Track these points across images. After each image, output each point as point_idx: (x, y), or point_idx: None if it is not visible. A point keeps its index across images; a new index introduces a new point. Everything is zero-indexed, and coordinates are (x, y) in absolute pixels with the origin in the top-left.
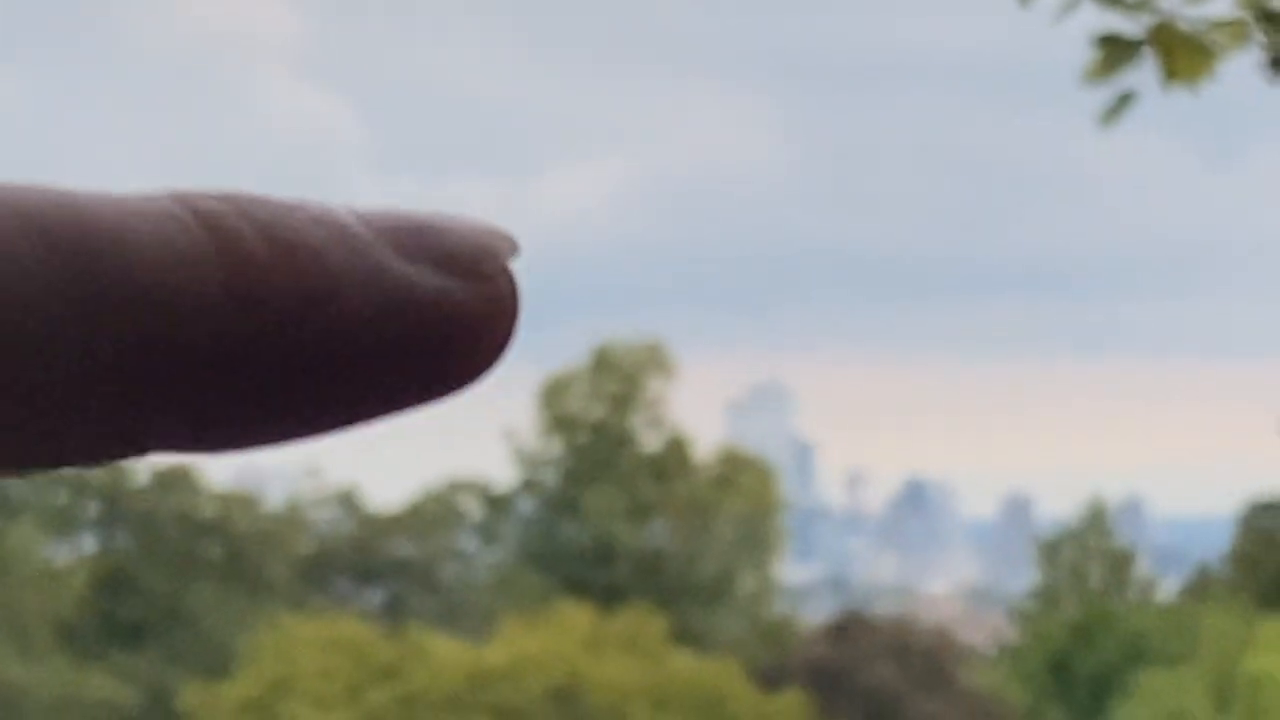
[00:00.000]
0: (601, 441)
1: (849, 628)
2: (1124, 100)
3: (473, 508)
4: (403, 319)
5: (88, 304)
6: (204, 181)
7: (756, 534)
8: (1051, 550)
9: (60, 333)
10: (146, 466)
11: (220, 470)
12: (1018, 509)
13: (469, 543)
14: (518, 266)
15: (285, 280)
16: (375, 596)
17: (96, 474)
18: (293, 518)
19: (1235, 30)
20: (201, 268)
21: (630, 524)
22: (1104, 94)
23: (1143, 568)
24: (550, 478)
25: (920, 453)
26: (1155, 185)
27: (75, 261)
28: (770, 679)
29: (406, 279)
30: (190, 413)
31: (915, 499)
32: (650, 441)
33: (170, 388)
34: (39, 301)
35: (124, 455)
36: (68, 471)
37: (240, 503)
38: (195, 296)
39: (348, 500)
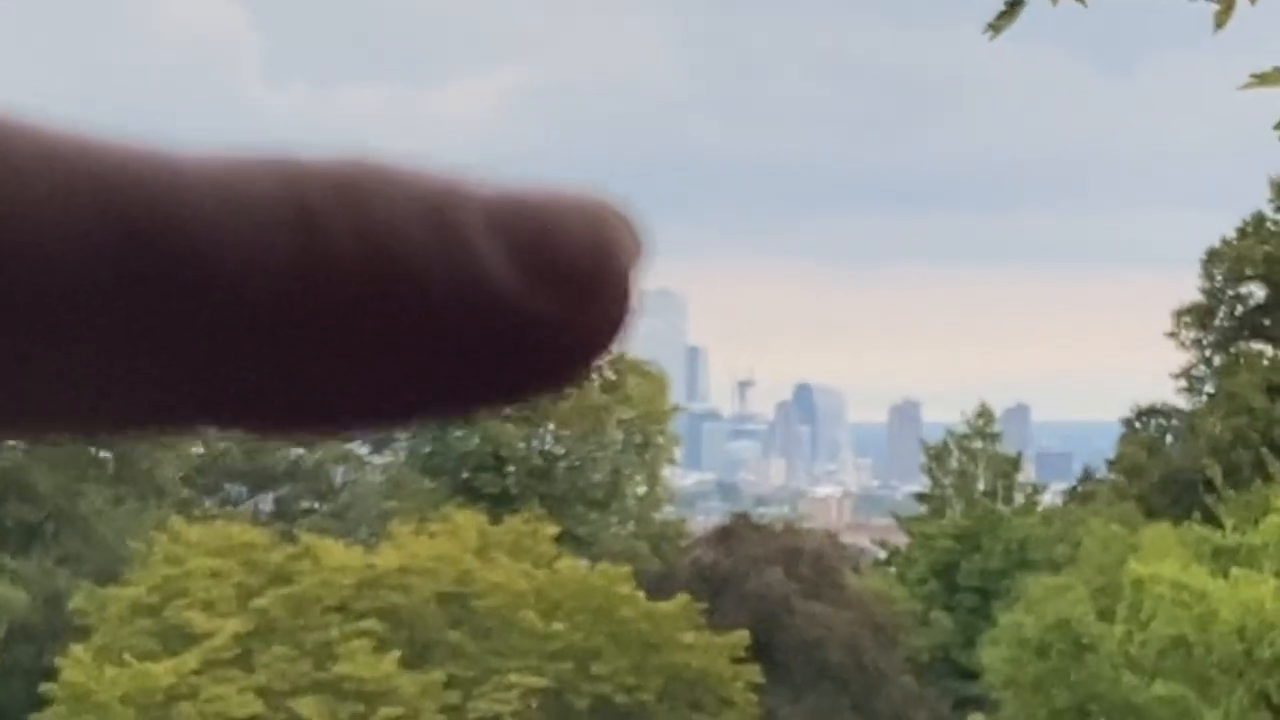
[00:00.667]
0: None
1: (737, 532)
2: (1012, 8)
3: None
4: (497, 339)
5: (140, 264)
6: (95, 91)
7: (646, 440)
8: (938, 457)
9: (112, 297)
10: None
11: None
12: (906, 416)
13: (359, 448)
14: (639, 271)
15: (365, 288)
16: (266, 501)
17: None
18: None
19: None
20: (277, 259)
21: (520, 430)
22: (996, 3)
23: (1029, 474)
24: None
25: (810, 360)
26: (1048, 96)
27: (140, 236)
28: (659, 584)
29: (508, 296)
30: (241, 390)
31: (804, 405)
32: None
33: (222, 363)
34: (90, 265)
35: (167, 428)
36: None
37: None
38: (261, 271)
39: None
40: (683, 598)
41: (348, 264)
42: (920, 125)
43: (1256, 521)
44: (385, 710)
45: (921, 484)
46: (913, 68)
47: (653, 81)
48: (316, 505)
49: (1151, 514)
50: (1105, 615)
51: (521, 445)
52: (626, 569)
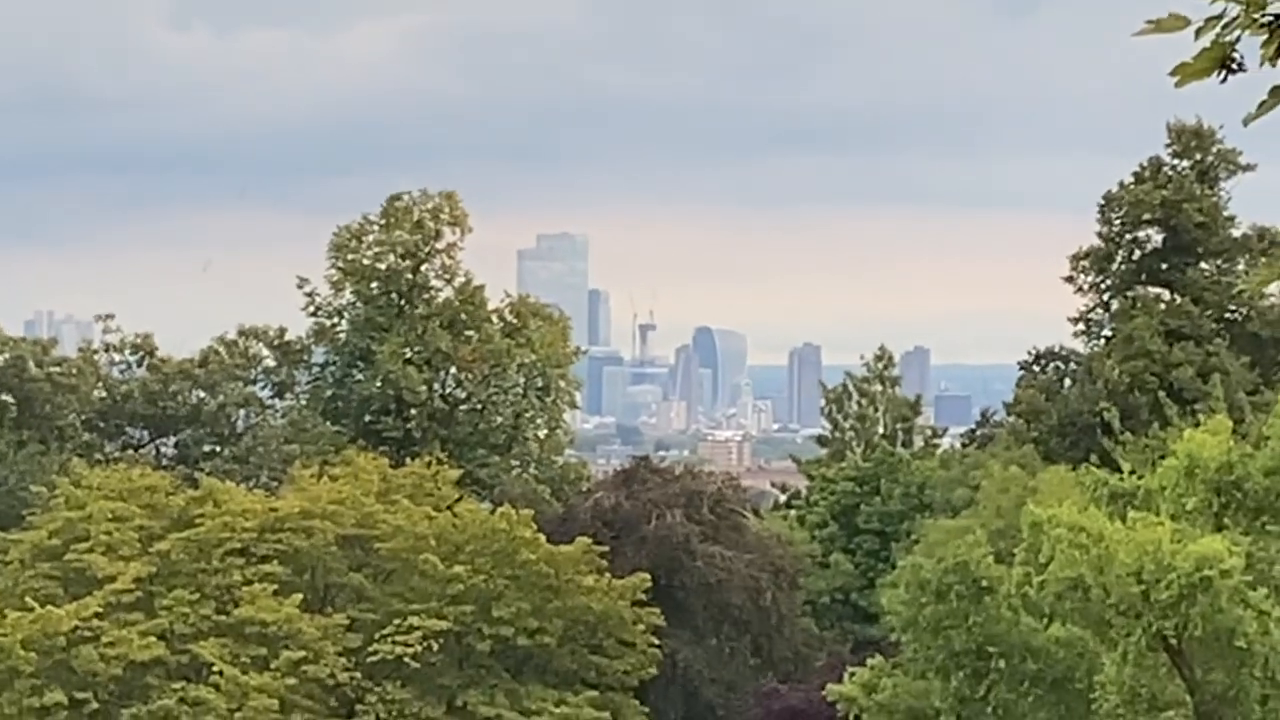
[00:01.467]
0: (393, 292)
1: (638, 476)
2: None
3: (265, 357)
4: None
5: None
6: None
7: (548, 384)
8: (838, 400)
9: None
10: None
11: (12, 318)
12: (806, 360)
13: (262, 392)
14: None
15: None
16: (167, 445)
17: None
18: (85, 366)
19: None
20: None
21: (422, 375)
22: None
23: (928, 417)
24: (343, 327)
25: (711, 304)
26: (948, 37)
27: None
28: (561, 527)
29: None
30: None
31: (705, 349)
32: (443, 292)
33: None
34: None
35: None
36: None
37: (32, 350)
38: None
39: (140, 349)
40: (584, 541)
41: None
42: (819, 68)
43: (1153, 465)
44: (287, 653)
45: (821, 427)
46: (812, 10)
47: (555, 26)
48: (218, 449)
49: (1049, 457)
50: (1003, 558)
51: (423, 389)
52: (528, 512)
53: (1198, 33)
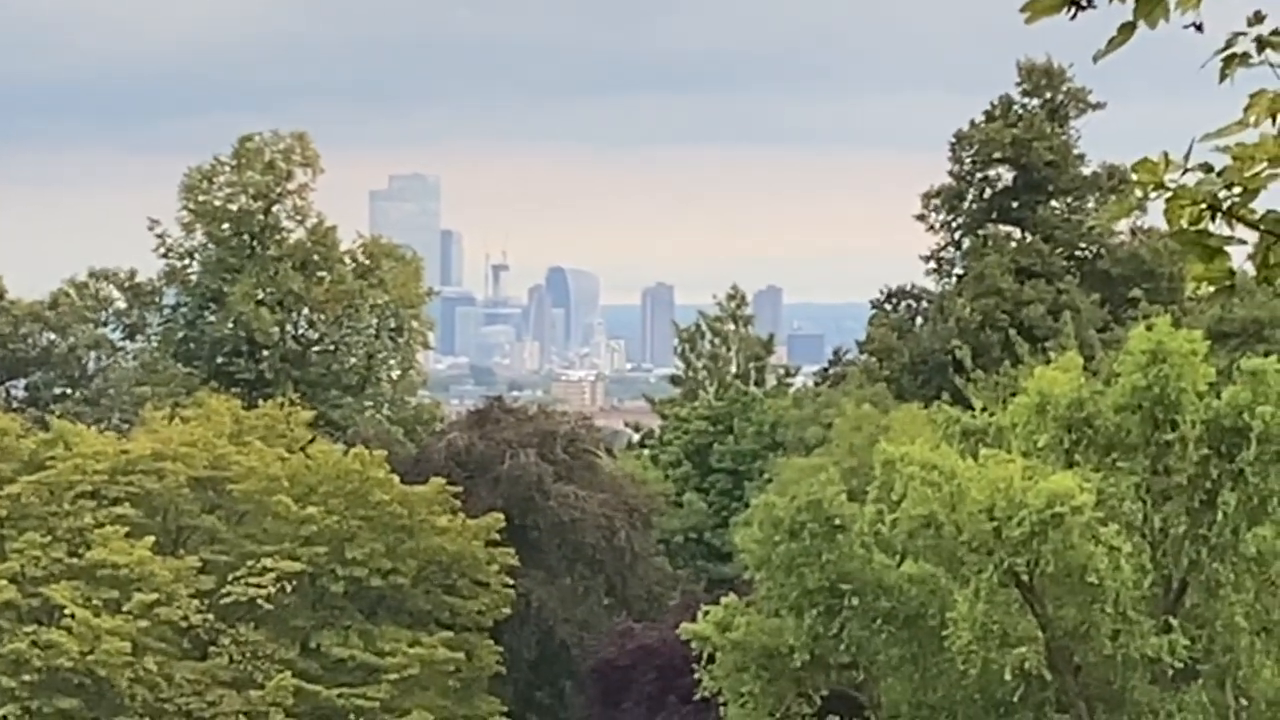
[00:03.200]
0: (245, 233)
1: (491, 416)
2: None
3: (116, 299)
4: None
5: None
6: None
7: (401, 324)
8: (691, 340)
9: None
10: None
11: None
12: (659, 299)
13: (113, 334)
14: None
15: None
16: (17, 387)
17: None
18: None
19: None
20: None
21: (274, 316)
22: None
23: (781, 356)
24: (194, 270)
25: (563, 243)
26: None
27: None
28: (414, 468)
29: None
30: None
31: (557, 289)
32: (294, 233)
33: None
34: None
35: None
36: None
37: None
38: None
39: None
40: (437, 481)
41: None
42: (669, 6)
43: (1005, 403)
44: (139, 596)
45: (674, 367)
46: None
47: None
48: (69, 391)
49: (902, 396)
50: (856, 496)
51: (275, 331)
52: (381, 453)
53: None
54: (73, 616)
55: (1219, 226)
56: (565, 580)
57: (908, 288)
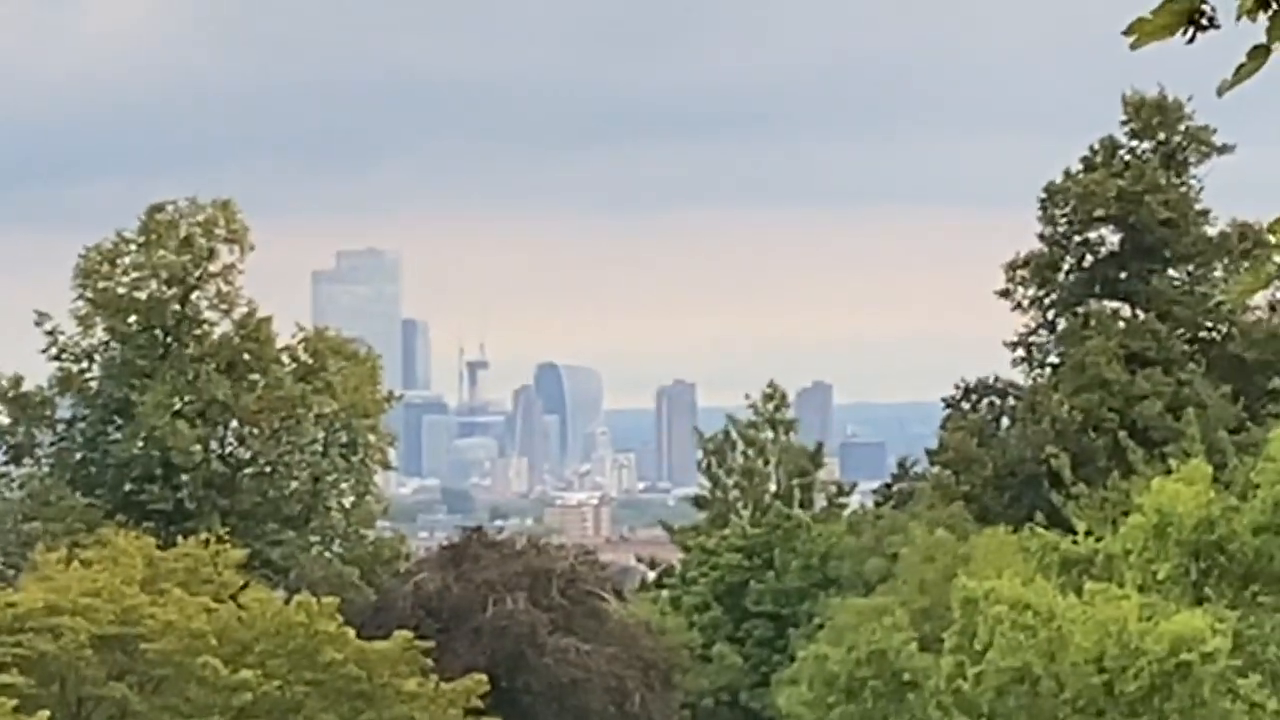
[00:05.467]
0: (157, 328)
1: (470, 551)
2: None
3: None
4: None
5: None
6: None
7: (354, 438)
8: (719, 451)
9: None
10: None
11: None
12: (677, 401)
13: None
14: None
15: None
16: None
17: None
18: None
19: None
20: None
21: (195, 430)
22: None
23: (832, 470)
24: (95, 374)
25: (556, 334)
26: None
27: None
28: (374, 618)
29: None
30: None
31: (550, 391)
32: (219, 326)
33: None
34: None
35: None
36: None
37: None
38: None
39: None
40: (403, 635)
41: None
42: (687, 40)
43: (1115, 524)
44: None
45: (698, 486)
46: None
47: None
48: None
49: (984, 517)
50: (930, 644)
51: (197, 449)
52: (332, 601)
53: None
54: None
55: None
56: None
57: (990, 381)
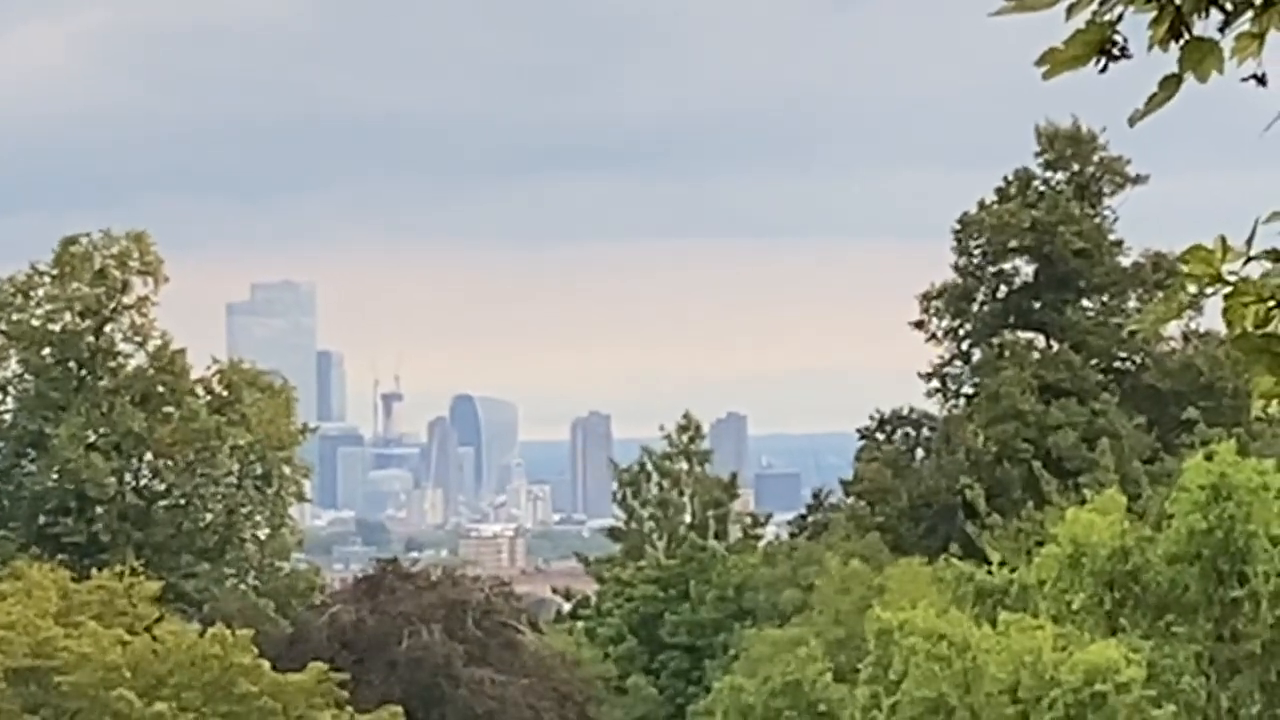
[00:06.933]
0: (71, 360)
1: (385, 584)
2: None
3: None
4: None
5: None
6: None
7: (269, 471)
8: (634, 483)
9: None
10: None
11: None
12: (592, 432)
13: None
14: None
15: None
16: None
17: None
18: None
19: None
20: None
21: (109, 463)
22: None
23: (747, 501)
24: (8, 407)
25: (471, 366)
26: (764, 32)
27: None
28: (289, 650)
29: None
30: None
31: (465, 422)
32: (134, 358)
33: None
34: None
35: None
36: None
37: None
38: None
39: None
40: (318, 667)
41: None
42: (607, 73)
43: (1029, 555)
44: None
45: (613, 517)
46: (608, 9)
47: (267, 25)
48: None
49: (899, 547)
50: (845, 675)
51: (111, 482)
52: (247, 632)
53: (1070, 10)
54: None
55: None
56: None
57: (904, 413)
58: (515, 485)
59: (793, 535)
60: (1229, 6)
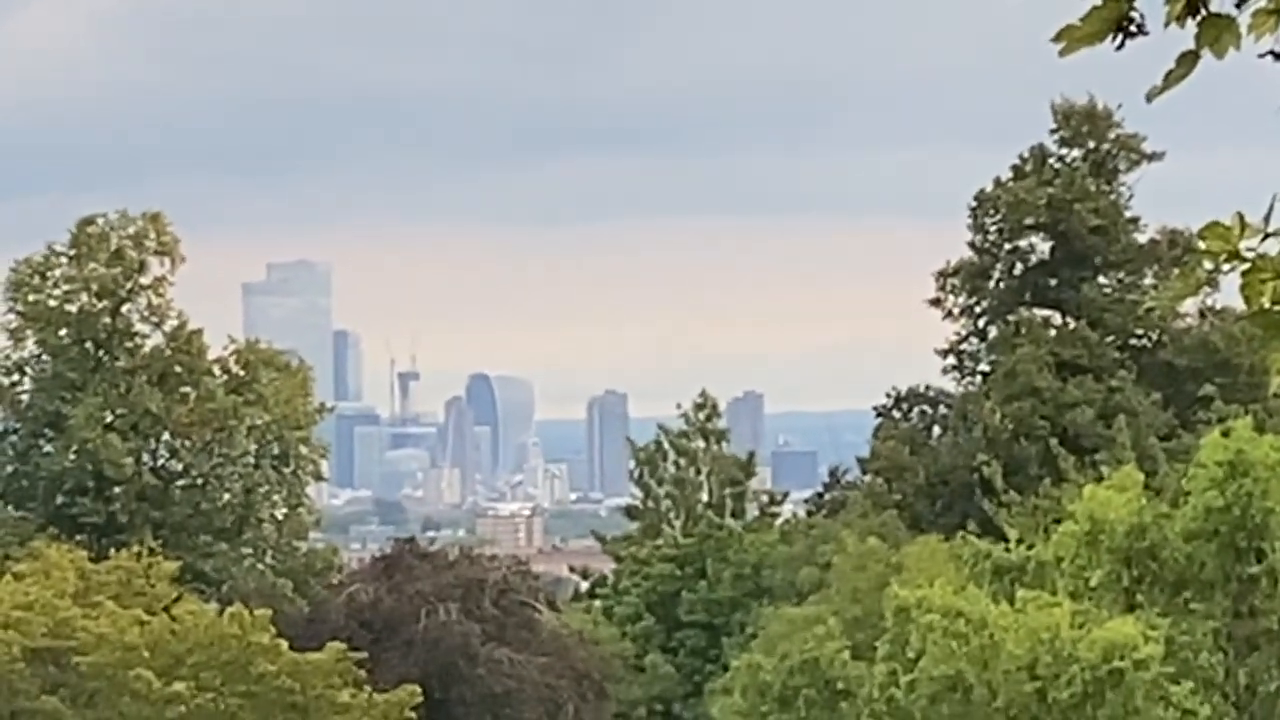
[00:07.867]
0: (88, 341)
1: (402, 563)
2: None
3: None
4: None
5: None
6: None
7: (286, 450)
8: (650, 461)
9: None
10: None
11: None
12: (609, 411)
13: None
14: None
15: None
16: None
17: None
18: None
19: None
20: None
21: (127, 444)
22: None
23: (764, 479)
24: (26, 388)
25: (487, 345)
26: (777, 6)
27: None
28: (307, 629)
29: None
30: None
31: (481, 402)
32: (151, 338)
33: None
34: None
35: None
36: None
37: None
38: None
39: None
40: (336, 647)
41: None
42: (620, 48)
43: (1046, 532)
44: None
45: (630, 496)
46: None
47: (287, 3)
48: None
49: (916, 525)
50: (863, 653)
51: (129, 462)
52: (265, 613)
53: None
54: None
55: None
56: None
57: (921, 390)
58: (532, 464)
59: (810, 513)
60: None
